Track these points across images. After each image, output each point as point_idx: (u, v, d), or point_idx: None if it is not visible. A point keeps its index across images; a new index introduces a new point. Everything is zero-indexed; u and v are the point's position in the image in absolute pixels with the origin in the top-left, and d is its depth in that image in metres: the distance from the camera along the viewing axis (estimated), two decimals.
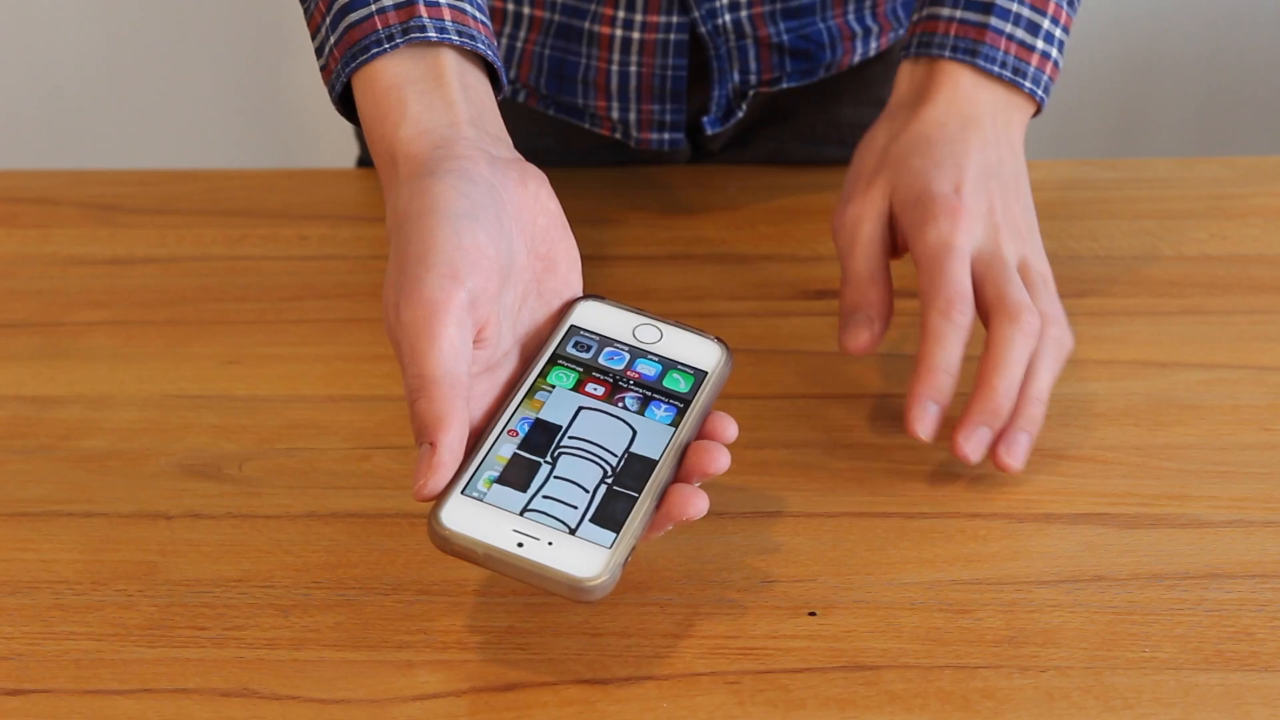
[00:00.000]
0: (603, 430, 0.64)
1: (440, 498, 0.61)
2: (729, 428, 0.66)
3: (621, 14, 0.89)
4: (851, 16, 0.92)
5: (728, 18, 0.89)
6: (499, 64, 0.71)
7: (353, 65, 0.68)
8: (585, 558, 0.60)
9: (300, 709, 0.64)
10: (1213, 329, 0.83)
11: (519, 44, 0.92)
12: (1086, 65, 1.81)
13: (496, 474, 0.62)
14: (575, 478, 0.63)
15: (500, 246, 0.64)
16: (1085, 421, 0.77)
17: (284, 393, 0.81)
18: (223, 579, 0.70)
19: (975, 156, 0.77)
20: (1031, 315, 0.73)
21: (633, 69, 0.90)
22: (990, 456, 0.72)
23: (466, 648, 0.66)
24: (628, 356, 0.67)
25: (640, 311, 0.69)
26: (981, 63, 0.78)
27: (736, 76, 0.92)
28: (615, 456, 0.64)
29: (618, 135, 0.93)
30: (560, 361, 0.66)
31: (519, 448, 0.63)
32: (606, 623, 0.67)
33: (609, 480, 0.63)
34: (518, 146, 0.98)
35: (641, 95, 0.91)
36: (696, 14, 0.88)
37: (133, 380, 0.82)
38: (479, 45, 0.69)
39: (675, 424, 0.65)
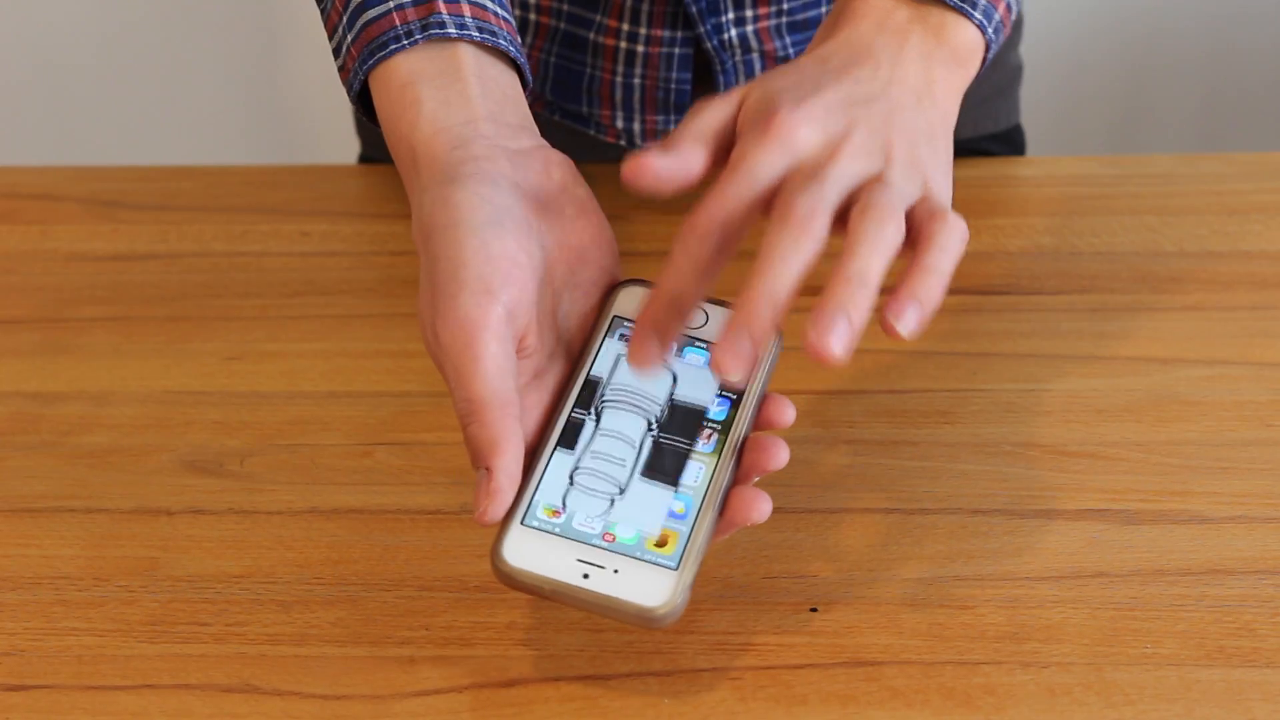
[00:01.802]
0: (625, 423, 0.64)
1: (500, 529, 0.60)
2: (786, 411, 0.64)
3: (626, 27, 0.89)
4: None
5: (734, 32, 0.89)
6: (522, 60, 0.70)
7: (370, 63, 0.68)
8: (653, 584, 0.59)
9: (302, 705, 0.64)
10: (1215, 325, 0.83)
11: (525, 50, 0.92)
12: (1088, 63, 1.81)
13: (555, 498, 0.62)
14: (594, 487, 0.62)
15: (530, 250, 0.63)
16: (1087, 417, 0.77)
17: (285, 388, 0.81)
18: (224, 575, 0.70)
19: (847, 86, 0.65)
20: (806, 208, 0.61)
21: (636, 80, 0.90)
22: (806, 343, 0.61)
23: (468, 644, 0.66)
24: (674, 344, 0.64)
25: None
26: None
27: None
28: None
29: (623, 143, 0.93)
30: (606, 353, 0.65)
31: (585, 459, 0.63)
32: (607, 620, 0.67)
33: (668, 485, 0.62)
34: None
35: (645, 106, 0.91)
36: (702, 29, 0.88)
37: (134, 376, 0.82)
38: (500, 41, 0.69)
39: (730, 421, 0.64)
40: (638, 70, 0.90)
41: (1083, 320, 0.83)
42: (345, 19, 0.69)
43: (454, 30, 0.67)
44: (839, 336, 0.60)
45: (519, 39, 0.71)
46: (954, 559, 0.69)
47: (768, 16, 0.89)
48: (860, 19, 0.68)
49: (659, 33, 0.89)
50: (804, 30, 0.90)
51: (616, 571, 0.60)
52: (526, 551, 0.60)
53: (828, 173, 0.62)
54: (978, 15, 0.69)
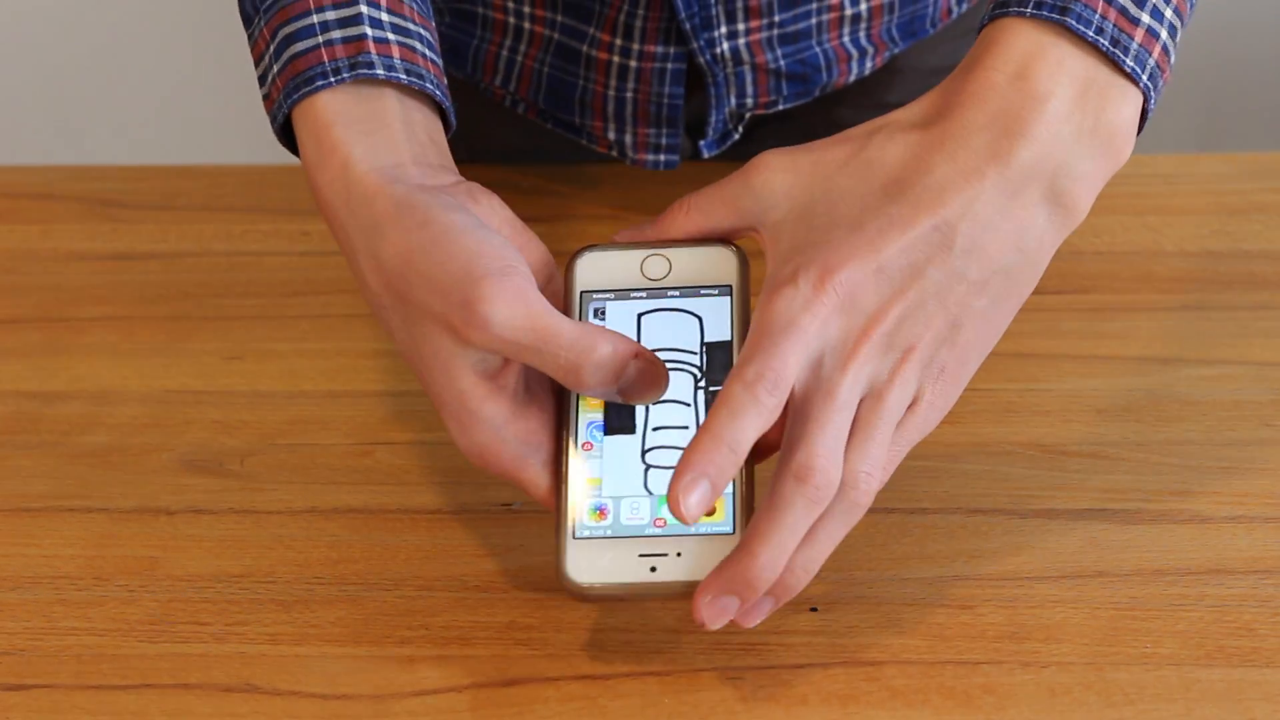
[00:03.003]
0: (673, 387, 0.63)
1: (557, 550, 0.61)
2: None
3: (619, 41, 0.89)
4: (847, 39, 0.92)
5: (725, 46, 0.89)
6: (447, 103, 0.69)
7: (295, 97, 0.67)
8: (718, 555, 0.59)
9: (302, 704, 0.64)
10: (1215, 324, 0.83)
11: (519, 58, 0.92)
12: None
13: (598, 501, 0.62)
14: (671, 462, 0.60)
15: (510, 245, 0.64)
16: (1087, 417, 0.77)
17: (285, 388, 0.81)
18: (224, 574, 0.70)
19: (918, 232, 0.60)
20: (824, 481, 0.58)
21: (629, 94, 0.90)
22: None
23: (468, 643, 0.66)
24: (650, 304, 0.65)
25: (639, 245, 0.66)
26: (1073, 23, 0.61)
27: (733, 100, 0.92)
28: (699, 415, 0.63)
29: (613, 154, 0.93)
30: None
31: (614, 457, 0.63)
32: (608, 618, 0.67)
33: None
34: (518, 146, 0.98)
35: (637, 119, 0.91)
36: (695, 44, 0.88)
37: (134, 376, 0.82)
38: (427, 85, 0.68)
39: (724, 369, 0.63)
40: (630, 84, 0.90)
41: (1083, 320, 0.83)
42: (273, 48, 0.68)
43: (382, 71, 0.66)
44: (762, 615, 0.61)
45: (444, 80, 0.71)
46: (954, 559, 0.69)
47: (759, 29, 0.89)
48: (994, 74, 0.61)
49: (652, 48, 0.89)
50: (794, 42, 0.90)
51: (679, 555, 0.60)
52: (589, 564, 0.60)
53: (838, 390, 0.59)
54: (1135, 67, 0.62)
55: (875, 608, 0.67)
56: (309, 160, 0.67)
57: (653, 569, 0.60)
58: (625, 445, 0.62)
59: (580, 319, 0.65)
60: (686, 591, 0.60)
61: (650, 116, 0.91)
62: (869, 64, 0.93)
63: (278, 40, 0.68)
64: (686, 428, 0.62)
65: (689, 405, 0.63)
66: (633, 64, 0.89)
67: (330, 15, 0.67)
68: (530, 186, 0.97)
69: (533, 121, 0.95)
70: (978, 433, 0.76)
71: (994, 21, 0.63)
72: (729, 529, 0.60)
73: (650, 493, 0.61)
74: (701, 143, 0.92)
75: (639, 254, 0.66)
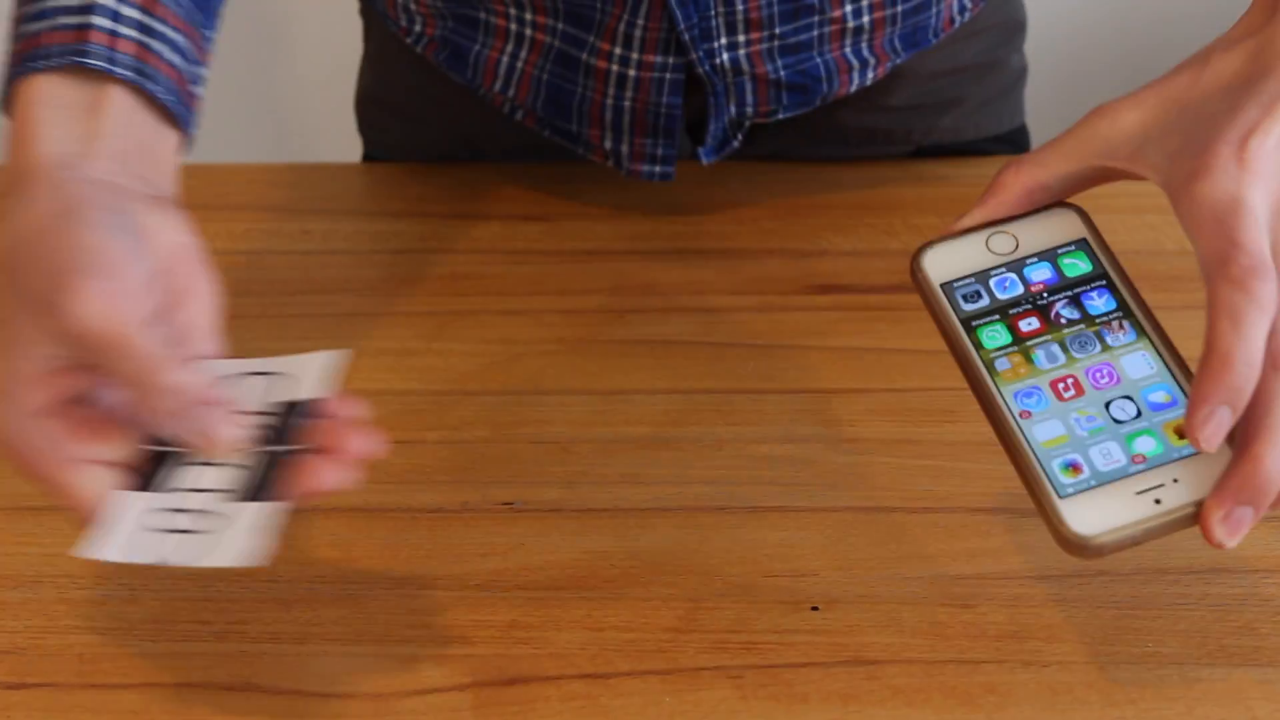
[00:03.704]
0: (1084, 351, 0.62)
1: (1049, 516, 0.58)
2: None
3: (618, 50, 0.88)
4: (849, 50, 0.92)
5: (725, 57, 0.89)
6: (181, 112, 0.67)
7: (15, 73, 0.65)
8: (1208, 471, 0.58)
9: (303, 703, 0.64)
10: None
11: (520, 64, 0.92)
12: (1091, 64, 1.81)
13: (1066, 458, 0.59)
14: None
15: (143, 258, 0.61)
16: None
17: None
18: (225, 573, 0.69)
19: None
20: None
21: (627, 104, 0.90)
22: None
23: (469, 642, 0.66)
24: (1014, 275, 0.63)
25: (975, 229, 0.64)
26: None
27: (733, 109, 0.91)
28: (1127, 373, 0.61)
29: (609, 163, 0.93)
30: (976, 323, 0.62)
31: (1060, 415, 0.60)
32: (609, 617, 0.67)
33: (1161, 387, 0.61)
34: (527, 147, 0.98)
35: (635, 129, 0.91)
36: (695, 55, 0.88)
37: None
38: (152, 86, 0.66)
39: (1123, 306, 0.63)
40: (628, 93, 0.90)
41: None
42: (18, 27, 0.67)
43: (100, 64, 0.65)
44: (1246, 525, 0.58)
45: (190, 88, 0.68)
46: (955, 558, 0.69)
47: (760, 41, 0.89)
48: None
49: (651, 58, 0.88)
50: (795, 53, 0.90)
51: (1176, 480, 0.58)
52: (1091, 518, 0.58)
53: None
54: None
55: (876, 607, 0.67)
56: (19, 126, 0.65)
57: (1157, 500, 0.58)
58: (1065, 409, 0.60)
59: (955, 312, 0.63)
60: (1195, 514, 0.57)
61: (647, 126, 0.91)
62: (870, 74, 0.93)
63: (20, 20, 0.67)
64: (212, 490, 0.60)
65: (222, 466, 0.61)
66: (631, 73, 0.89)
67: (69, 1, 0.66)
68: (530, 186, 0.97)
69: (529, 133, 0.96)
70: (978, 432, 0.76)
71: None
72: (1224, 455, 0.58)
73: (1118, 425, 0.59)
74: (700, 150, 0.92)
75: (980, 235, 0.64)
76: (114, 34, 0.66)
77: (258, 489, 0.60)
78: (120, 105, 0.65)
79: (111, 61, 0.65)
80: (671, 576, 0.69)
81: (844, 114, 0.97)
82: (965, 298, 0.63)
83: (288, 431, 0.61)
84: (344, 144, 1.33)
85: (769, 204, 0.95)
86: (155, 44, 0.67)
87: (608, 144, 0.92)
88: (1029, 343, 0.62)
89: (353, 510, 0.73)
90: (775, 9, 0.87)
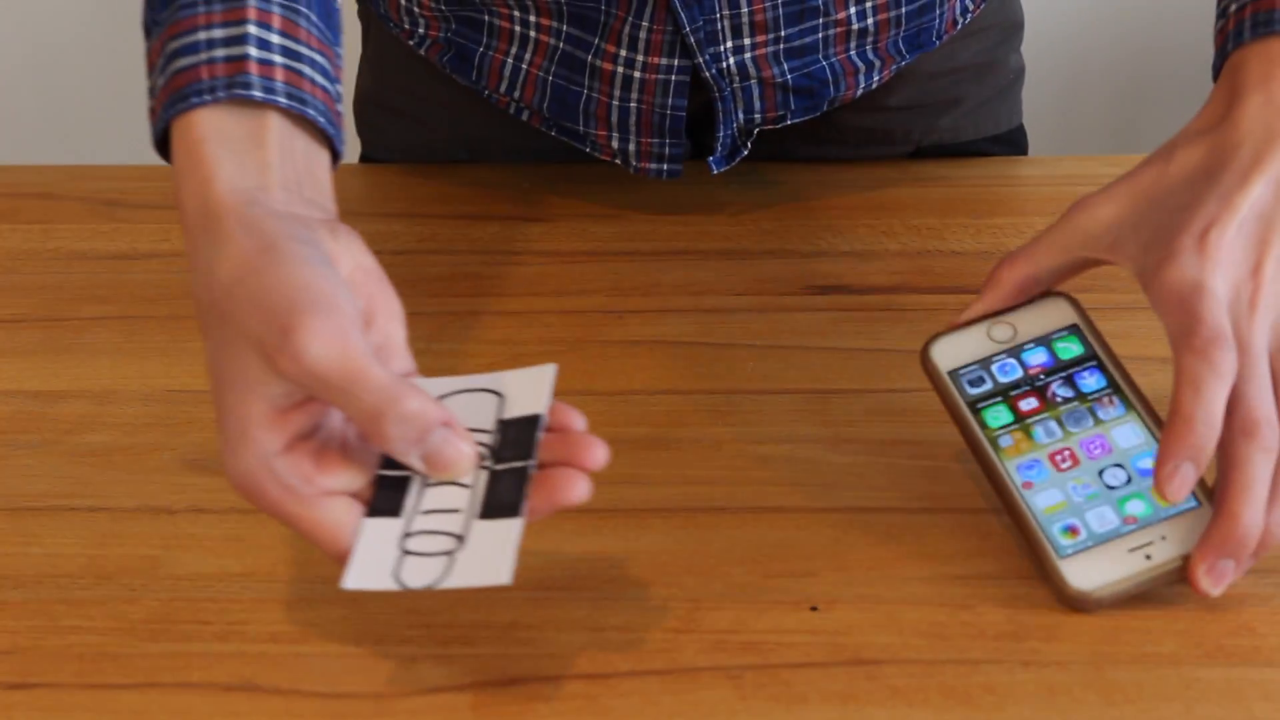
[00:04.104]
0: (1079, 425, 0.69)
1: (1050, 574, 0.66)
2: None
3: (624, 53, 0.88)
4: (854, 53, 0.92)
5: (731, 60, 0.89)
6: (333, 130, 0.68)
7: (172, 111, 0.66)
8: (1197, 525, 0.65)
9: (303, 703, 0.64)
10: None
11: (524, 66, 0.92)
12: (1089, 64, 1.81)
13: (1065, 523, 0.67)
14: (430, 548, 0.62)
15: (348, 288, 0.63)
16: None
17: None
18: (226, 573, 0.70)
19: (1256, 190, 0.67)
20: (1270, 431, 0.64)
21: (633, 105, 0.90)
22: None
23: (469, 642, 0.66)
24: (1014, 360, 0.71)
25: (979, 320, 0.72)
26: None
27: (741, 116, 0.91)
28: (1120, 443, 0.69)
29: (617, 162, 0.93)
30: (981, 405, 0.70)
31: (1059, 484, 0.68)
32: (609, 617, 0.67)
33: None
34: (527, 148, 0.98)
35: (641, 129, 0.91)
36: (700, 59, 0.88)
37: (136, 375, 0.82)
38: (309, 110, 0.67)
39: (1112, 383, 0.70)
40: (634, 95, 0.90)
41: None
42: (161, 62, 0.67)
43: (260, 94, 0.65)
44: (1229, 579, 0.66)
45: (336, 107, 0.69)
46: (954, 558, 0.69)
47: (765, 44, 0.89)
48: (1253, 93, 0.69)
49: (656, 60, 0.88)
50: (800, 56, 0.90)
51: (1164, 538, 0.66)
52: (1088, 574, 0.66)
53: (1252, 343, 0.65)
54: None
55: (875, 607, 0.67)
56: (179, 172, 0.66)
57: (1147, 556, 0.65)
58: (1063, 478, 0.68)
59: (961, 396, 0.71)
60: (1182, 567, 0.65)
61: (654, 127, 0.91)
62: (876, 77, 0.93)
63: (166, 54, 0.67)
64: (459, 510, 0.61)
65: (467, 487, 0.62)
66: (637, 75, 0.89)
67: (218, 33, 0.66)
68: (530, 186, 0.97)
69: (536, 132, 0.96)
70: None
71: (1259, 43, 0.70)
72: (1194, 503, 0.66)
73: (1111, 490, 0.67)
74: (710, 159, 0.92)
75: (982, 326, 0.72)
76: (267, 62, 0.66)
77: (497, 506, 0.61)
78: (280, 133, 0.66)
79: (270, 90, 0.66)
80: (671, 576, 0.69)
81: (843, 114, 0.97)
82: (970, 383, 0.71)
83: (515, 447, 0.62)
84: (348, 144, 1.33)
85: (768, 204, 0.95)
86: (303, 68, 0.67)
87: (615, 144, 0.92)
88: (1029, 420, 0.70)
89: None
90: (780, 11, 0.88)
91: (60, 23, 1.83)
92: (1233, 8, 0.72)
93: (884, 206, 0.95)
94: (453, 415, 0.61)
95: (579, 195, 0.96)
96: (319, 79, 0.68)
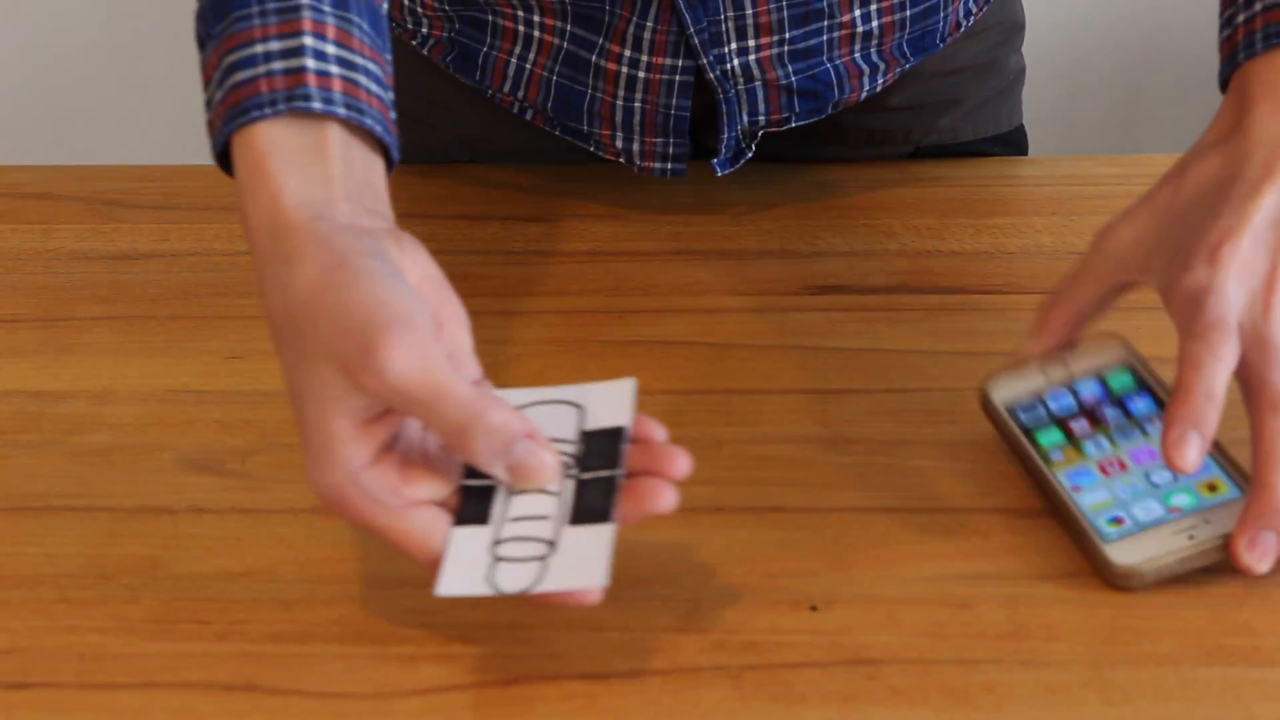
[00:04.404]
0: (1127, 439, 0.72)
1: (1095, 555, 0.68)
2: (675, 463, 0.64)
3: (628, 53, 0.89)
4: (858, 55, 0.92)
5: (736, 62, 0.89)
6: (389, 139, 0.69)
7: (233, 125, 0.66)
8: (1238, 511, 0.67)
9: (303, 703, 0.64)
10: None
11: (528, 66, 0.92)
12: (1089, 64, 1.81)
13: (1111, 514, 0.69)
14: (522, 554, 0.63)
15: (421, 300, 0.63)
16: None
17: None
18: (226, 573, 0.70)
19: (1269, 199, 0.68)
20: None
21: (637, 104, 0.90)
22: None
23: (469, 642, 0.66)
24: (1068, 392, 0.74)
25: (1033, 363, 0.74)
26: None
27: (745, 118, 0.92)
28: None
29: (621, 161, 0.93)
30: (1035, 429, 0.73)
31: (1107, 486, 0.70)
32: (609, 617, 0.67)
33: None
34: (527, 148, 0.99)
35: (645, 129, 0.91)
36: (705, 60, 0.88)
37: (136, 375, 0.82)
38: (366, 120, 0.67)
39: (1162, 406, 0.72)
40: (638, 95, 0.90)
41: None
42: (218, 75, 0.67)
43: (319, 105, 0.66)
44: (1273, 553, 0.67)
45: (390, 115, 0.70)
46: (954, 557, 0.70)
47: (770, 46, 0.89)
48: (1260, 105, 0.70)
49: (661, 60, 0.89)
50: (805, 58, 0.90)
51: (1207, 522, 0.67)
52: (1132, 552, 0.67)
53: (1272, 339, 0.66)
54: None
55: (875, 606, 0.67)
56: (242, 187, 0.66)
57: (1190, 537, 0.67)
58: (1111, 482, 0.70)
59: (1016, 425, 0.73)
60: (1224, 547, 0.66)
61: (657, 126, 0.91)
62: (880, 80, 0.93)
63: (223, 68, 0.67)
64: (548, 517, 0.63)
65: (555, 495, 0.63)
66: (641, 75, 0.89)
67: (274, 45, 0.66)
68: (530, 186, 0.97)
69: (539, 132, 0.96)
70: (977, 432, 0.76)
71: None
72: (1235, 494, 0.68)
73: (1156, 487, 0.69)
74: (714, 161, 0.92)
75: (1036, 365, 0.74)
76: (324, 73, 0.66)
77: (587, 512, 0.62)
78: (339, 143, 0.66)
79: (329, 102, 0.66)
80: (670, 577, 0.69)
81: (843, 115, 0.97)
82: (1025, 413, 0.73)
83: (600, 457, 0.64)
84: None
85: (768, 204, 0.95)
86: (359, 77, 0.68)
87: (619, 143, 0.92)
88: (1080, 439, 0.72)
89: None
90: (785, 13, 0.88)
91: (60, 23, 1.83)
92: (1240, 18, 0.73)
93: (884, 206, 0.95)
94: (535, 426, 0.62)
95: (579, 195, 0.96)
96: (374, 88, 0.68)
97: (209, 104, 0.68)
